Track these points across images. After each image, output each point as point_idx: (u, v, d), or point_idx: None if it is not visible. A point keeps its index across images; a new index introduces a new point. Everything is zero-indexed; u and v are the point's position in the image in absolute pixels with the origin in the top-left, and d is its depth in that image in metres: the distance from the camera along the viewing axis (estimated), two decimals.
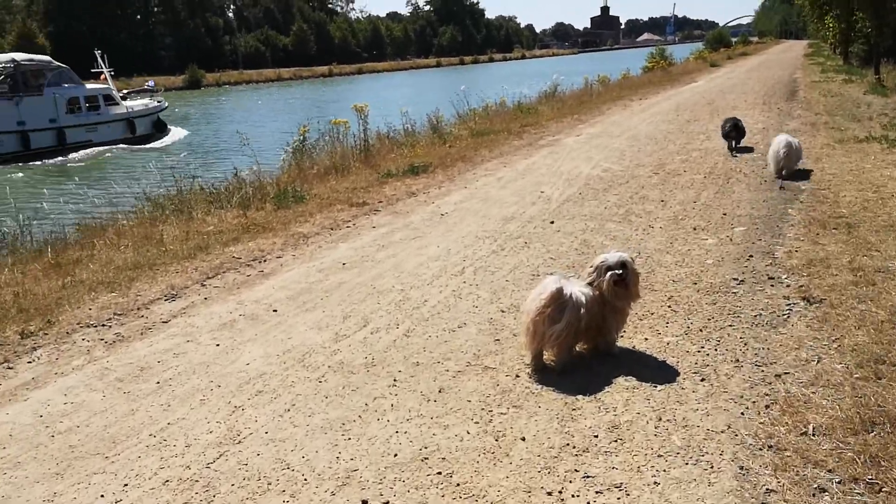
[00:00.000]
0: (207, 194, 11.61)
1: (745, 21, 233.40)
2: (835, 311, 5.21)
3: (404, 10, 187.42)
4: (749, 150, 12.74)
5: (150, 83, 48.15)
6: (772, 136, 12.68)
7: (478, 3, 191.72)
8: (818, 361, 4.50)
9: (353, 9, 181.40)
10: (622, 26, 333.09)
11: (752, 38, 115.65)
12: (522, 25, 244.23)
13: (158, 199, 11.80)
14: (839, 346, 4.68)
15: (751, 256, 6.71)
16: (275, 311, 5.98)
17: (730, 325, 5.15)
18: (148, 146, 34.75)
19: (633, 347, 4.92)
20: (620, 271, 4.63)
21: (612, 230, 7.98)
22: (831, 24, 33.24)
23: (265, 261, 7.56)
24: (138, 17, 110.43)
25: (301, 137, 14.64)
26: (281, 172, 13.78)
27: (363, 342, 5.25)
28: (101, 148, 33.27)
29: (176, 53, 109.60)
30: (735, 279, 6.11)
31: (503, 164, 12.94)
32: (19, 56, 33.48)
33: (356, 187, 11.40)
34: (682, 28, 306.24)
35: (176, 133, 38.32)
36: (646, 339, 5.05)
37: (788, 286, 5.85)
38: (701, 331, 5.10)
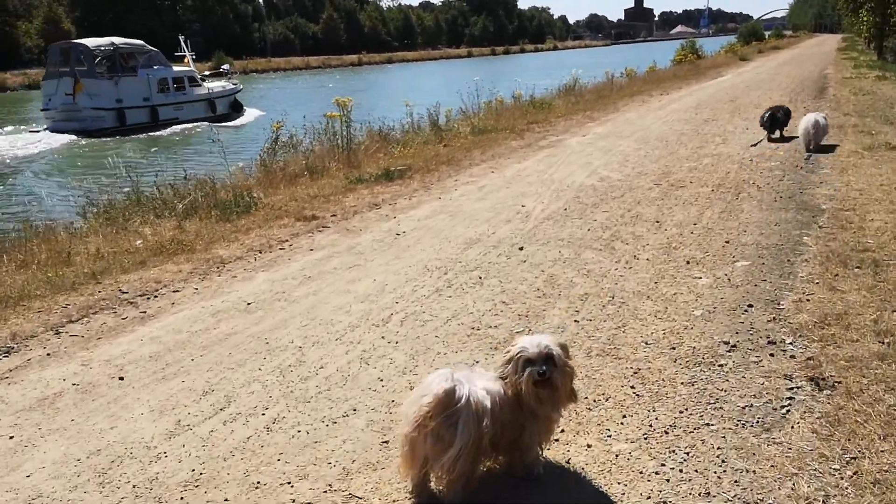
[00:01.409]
0: (153, 200, 10.30)
1: (779, 14, 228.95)
2: (853, 406, 3.78)
3: (436, 0, 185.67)
4: (789, 139, 12.62)
5: (226, 67, 50.52)
6: (794, 139, 11.26)
7: None
8: (824, 502, 3.08)
9: None
10: (656, 19, 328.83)
11: (785, 31, 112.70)
12: (555, 16, 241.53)
13: (101, 205, 10.53)
14: (856, 473, 3.26)
15: (750, 306, 5.27)
16: (121, 379, 4.66)
17: (707, 425, 3.74)
18: (227, 124, 36.82)
19: (568, 462, 3.53)
20: (543, 368, 3.24)
21: (589, 261, 6.57)
22: (866, 18, 31.28)
23: (156, 296, 6.25)
24: (167, 2, 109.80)
25: (274, 135, 13.29)
26: (246, 175, 12.49)
27: (205, 439, 3.91)
28: (187, 125, 35.74)
29: (204, 40, 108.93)
30: (725, 342, 4.68)
31: (491, 169, 11.54)
32: (118, 40, 35.85)
33: (318, 195, 10.08)
34: (717, 21, 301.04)
35: (251, 113, 40.12)
36: (588, 445, 3.67)
37: (793, 357, 4.42)
38: (666, 433, 3.70)
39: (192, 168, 15.34)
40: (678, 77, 30.33)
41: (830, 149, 11.58)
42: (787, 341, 4.65)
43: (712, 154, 11.68)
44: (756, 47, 58.21)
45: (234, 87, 41.80)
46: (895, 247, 6.31)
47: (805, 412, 3.79)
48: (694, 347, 4.67)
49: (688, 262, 6.40)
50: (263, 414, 4.13)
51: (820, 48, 56.47)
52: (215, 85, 40.79)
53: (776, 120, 12.91)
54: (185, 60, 41.16)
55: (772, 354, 4.49)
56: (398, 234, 7.90)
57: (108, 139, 32.22)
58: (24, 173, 24.97)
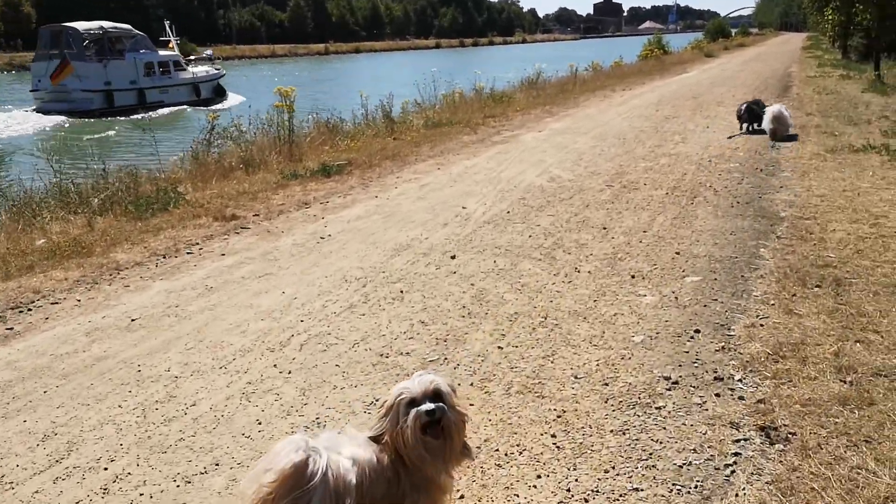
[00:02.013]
0: (67, 193, 9.46)
1: (746, 12, 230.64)
2: (808, 467, 3.16)
3: None
4: (762, 132, 12.45)
5: (209, 52, 52.41)
6: (756, 141, 10.75)
7: None
8: None
9: None
10: (625, 14, 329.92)
11: (752, 29, 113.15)
12: (525, 9, 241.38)
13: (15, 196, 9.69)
14: None
15: (697, 332, 4.64)
16: None
17: (635, 490, 3.10)
18: (210, 108, 36.20)
19: None
20: (432, 407, 2.56)
21: (525, 274, 5.91)
22: (830, 16, 31.01)
23: (30, 310, 5.50)
24: None
25: (210, 125, 12.48)
26: (178, 168, 11.69)
27: None
28: (173, 108, 36.40)
29: (170, 25, 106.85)
30: (666, 378, 4.04)
31: (438, 166, 10.86)
32: (106, 24, 36.76)
33: (247, 191, 9.34)
34: (685, 17, 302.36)
35: (234, 98, 40.36)
36: None
37: (742, 399, 3.79)
38: (586, 501, 3.03)
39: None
40: (643, 72, 29.86)
41: (794, 138, 11.96)
42: (736, 377, 4.02)
43: (670, 153, 11.10)
44: (722, 44, 58.03)
45: (217, 72, 42.43)
46: (858, 262, 5.72)
47: (753, 474, 3.16)
48: (630, 384, 4.02)
49: (633, 277, 5.76)
50: (106, 468, 3.42)
51: (785, 46, 56.47)
52: (199, 70, 41.46)
53: (753, 112, 12.77)
54: (170, 45, 41.61)
55: (718, 394, 3.85)
56: (322, 238, 7.20)
57: (95, 120, 32.59)
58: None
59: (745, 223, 7.15)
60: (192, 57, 46.56)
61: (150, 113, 35.07)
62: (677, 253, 6.31)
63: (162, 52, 39.03)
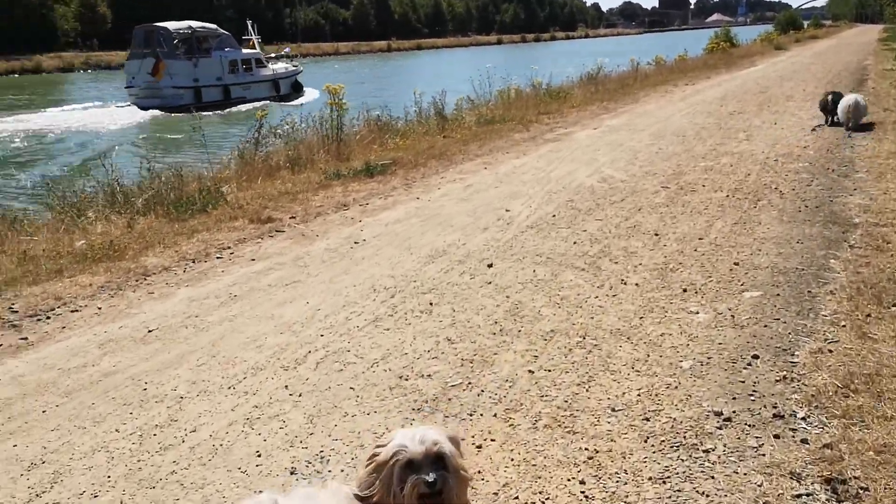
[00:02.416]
0: (111, 194, 9.29)
1: (819, 3, 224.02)
2: None
3: None
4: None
5: (287, 49, 53.68)
6: (828, 138, 10.04)
7: None
8: None
9: None
10: (691, 6, 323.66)
11: (825, 21, 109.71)
12: (588, 4, 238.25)
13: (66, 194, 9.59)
14: None
15: (755, 357, 4.12)
16: None
17: None
18: (289, 103, 37.76)
19: None
20: (432, 476, 2.20)
21: (566, 285, 5.43)
22: None
23: (48, 318, 5.26)
24: None
25: (258, 123, 12.24)
26: (226, 167, 11.48)
27: None
28: (255, 104, 36.19)
29: (237, 24, 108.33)
30: (717, 413, 3.55)
31: (485, 165, 10.41)
32: (195, 24, 38.47)
33: (288, 192, 9.04)
34: (754, 9, 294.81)
35: (310, 94, 40.73)
36: None
37: (805, 442, 3.28)
38: None
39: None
40: (708, 66, 28.90)
41: (869, 127, 11.98)
42: (799, 415, 3.50)
43: (733, 152, 10.45)
44: (793, 36, 56.20)
45: (294, 68, 43.74)
46: None
47: None
48: (674, 419, 3.53)
49: (685, 291, 5.24)
50: None
51: (860, 38, 54.36)
52: (279, 66, 42.79)
53: (836, 103, 12.36)
54: (251, 43, 43.03)
55: (777, 436, 3.35)
56: (357, 243, 6.82)
57: (185, 115, 33.38)
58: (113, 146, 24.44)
59: (813, 230, 6.56)
60: (273, 55, 47.32)
61: (234, 108, 36.51)
62: (736, 264, 5.76)
63: (245, 51, 40.34)
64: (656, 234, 6.67)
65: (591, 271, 5.75)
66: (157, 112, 34.22)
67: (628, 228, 6.91)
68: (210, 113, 34.21)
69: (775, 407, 3.60)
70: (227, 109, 36.01)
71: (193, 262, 6.40)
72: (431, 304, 5.20)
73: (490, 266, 5.98)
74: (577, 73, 24.67)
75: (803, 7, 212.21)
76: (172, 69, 35.53)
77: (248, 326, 4.96)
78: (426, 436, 2.28)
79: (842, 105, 12.00)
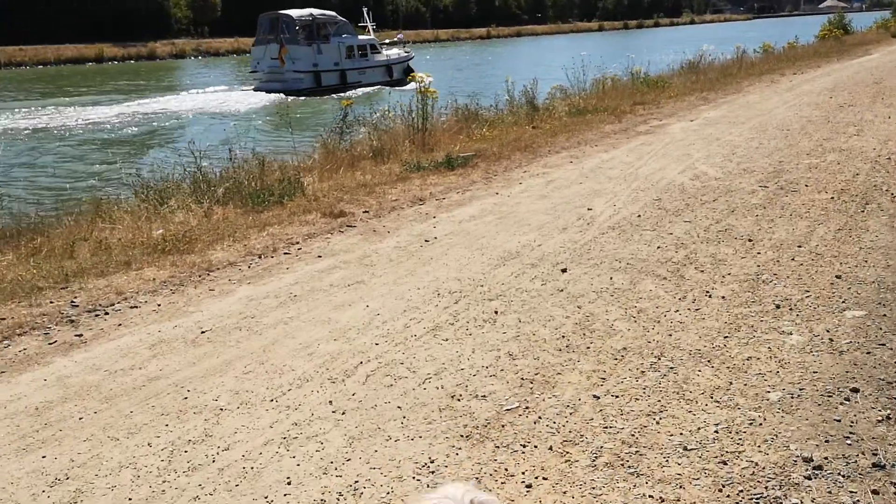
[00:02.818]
0: (193, 182, 9.27)
1: None
2: None
3: None
4: None
5: (400, 35, 53.97)
6: None
7: None
8: None
9: None
10: None
11: None
12: None
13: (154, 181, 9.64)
14: None
15: (854, 391, 3.63)
16: None
17: None
18: (402, 88, 38.76)
19: None
20: None
21: (644, 296, 4.99)
22: None
23: (107, 313, 5.16)
24: None
25: (343, 113, 12.07)
26: (306, 157, 11.36)
27: None
28: (369, 88, 38.31)
29: (340, 12, 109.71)
30: (806, 460, 3.09)
31: (571, 159, 9.96)
32: (315, 11, 39.78)
33: (365, 184, 8.83)
34: None
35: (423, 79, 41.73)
36: None
37: None
38: None
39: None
40: (818, 54, 27.44)
41: None
42: None
43: (841, 149, 9.70)
44: None
45: (406, 54, 44.74)
46: None
47: None
48: (756, 464, 3.09)
49: (777, 307, 4.74)
50: None
51: None
52: (392, 52, 43.80)
53: None
54: (367, 30, 44.15)
55: (875, 491, 2.87)
56: (427, 241, 6.52)
57: (305, 98, 35.74)
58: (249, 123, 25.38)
59: None
60: (387, 41, 48.69)
61: (351, 92, 36.50)
62: (838, 277, 5.20)
63: (361, 37, 41.32)
64: (749, 240, 6.13)
65: (673, 281, 5.29)
66: (280, 95, 35.63)
67: (719, 232, 6.39)
68: (326, 96, 35.75)
69: (875, 454, 3.11)
70: (344, 93, 36.75)
71: (259, 257, 6.21)
72: (496, 312, 4.85)
73: (564, 271, 5.58)
74: (678, 60, 23.77)
75: None
76: (294, 54, 36.94)
77: (302, 331, 4.71)
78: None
79: None
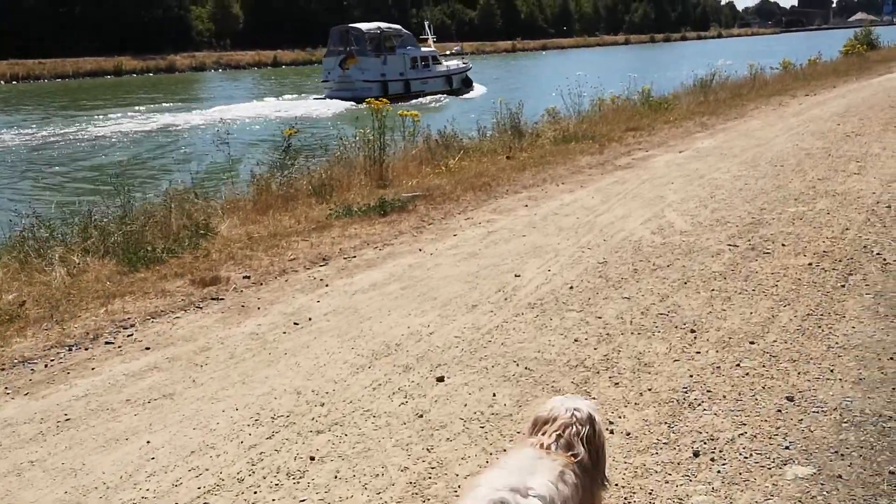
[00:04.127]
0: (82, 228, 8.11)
1: None
2: None
3: None
4: None
5: (458, 47, 58.77)
6: None
7: None
8: None
9: None
10: (833, 5, 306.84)
11: None
12: (723, 2, 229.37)
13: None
14: None
15: None
16: None
17: None
18: (461, 97, 42.21)
19: None
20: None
21: (526, 429, 3.68)
22: None
23: None
24: None
25: (286, 143, 10.88)
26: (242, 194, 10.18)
27: None
28: (431, 97, 41.12)
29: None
30: None
31: (527, 202, 8.72)
32: (383, 25, 43.23)
33: (277, 233, 7.64)
34: None
35: (479, 89, 44.86)
36: None
37: None
38: None
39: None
40: (837, 72, 25.91)
41: None
42: None
43: (835, 192, 8.35)
44: None
45: (465, 65, 47.03)
46: None
47: None
48: None
49: (696, 455, 3.45)
50: None
51: None
52: (451, 63, 46.25)
53: None
54: (428, 42, 46.80)
55: None
56: (296, 324, 5.28)
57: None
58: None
59: None
60: (447, 52, 51.44)
61: (416, 100, 39.21)
62: (789, 398, 3.88)
63: (423, 49, 44.10)
64: (692, 331, 4.82)
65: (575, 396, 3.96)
66: (350, 104, 37.29)
67: (658, 317, 5.08)
68: (395, 104, 37.10)
69: None
70: (409, 101, 38.50)
71: (70, 349, 5.00)
72: (313, 458, 3.58)
73: (441, 380, 4.31)
74: (693, 77, 22.38)
75: None
76: (364, 65, 39.59)
77: (31, 489, 3.46)
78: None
79: None
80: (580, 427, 2.42)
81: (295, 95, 42.96)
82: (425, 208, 8.55)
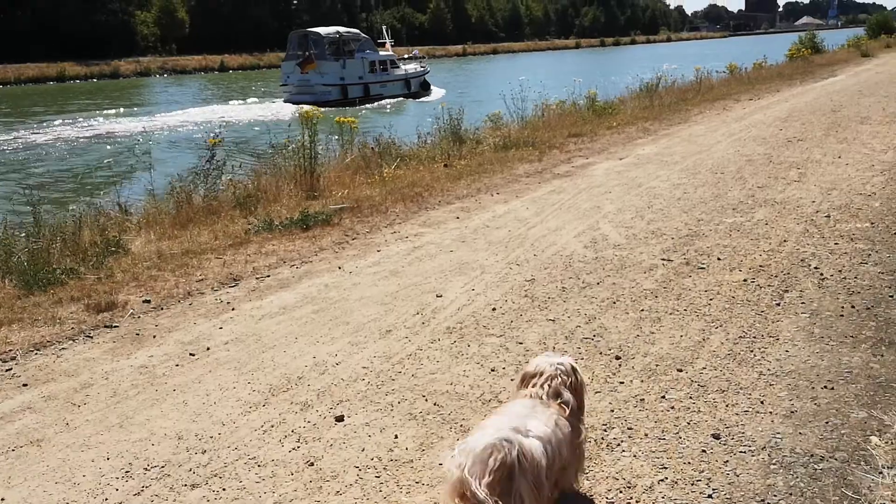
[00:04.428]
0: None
1: None
2: None
3: None
4: None
5: (416, 52, 59.46)
6: None
7: None
8: None
9: None
10: (780, 9, 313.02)
11: None
12: (672, 7, 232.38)
13: None
14: None
15: None
16: None
17: None
18: (419, 100, 42.85)
19: None
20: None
21: (423, 479, 3.30)
22: None
23: None
24: None
25: (210, 153, 10.37)
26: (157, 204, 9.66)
27: None
28: (390, 100, 42.35)
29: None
30: None
31: (459, 213, 8.35)
32: (342, 29, 44.60)
33: (190, 250, 7.18)
34: (847, 12, 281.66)
35: (437, 92, 45.90)
36: None
37: None
38: None
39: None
40: (782, 76, 26.04)
41: None
42: None
43: (774, 201, 8.12)
44: (884, 41, 51.99)
45: (423, 69, 48.24)
46: None
47: None
48: None
49: None
50: None
51: None
52: (409, 67, 47.54)
53: None
54: (386, 46, 48.06)
55: None
56: (192, 354, 4.85)
57: (336, 108, 38.62)
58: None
59: (855, 358, 4.28)
60: (405, 56, 52.53)
61: (375, 103, 40.87)
62: (715, 436, 3.56)
63: (381, 53, 45.25)
64: (618, 358, 4.48)
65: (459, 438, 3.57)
66: (308, 107, 38.65)
67: (583, 342, 4.74)
68: (353, 107, 37.87)
69: None
70: (369, 104, 40.43)
71: None
72: None
73: (340, 420, 3.91)
74: (641, 81, 22.27)
75: None
76: (323, 69, 40.36)
77: None
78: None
79: None
80: (565, 377, 2.86)
81: (241, 101, 42.98)
82: (351, 221, 8.13)
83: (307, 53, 40.77)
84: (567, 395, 2.82)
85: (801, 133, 12.84)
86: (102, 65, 73.83)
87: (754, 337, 4.70)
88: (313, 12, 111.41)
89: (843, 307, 5.12)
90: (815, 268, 5.93)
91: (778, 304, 5.23)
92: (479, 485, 2.28)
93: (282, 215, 8.41)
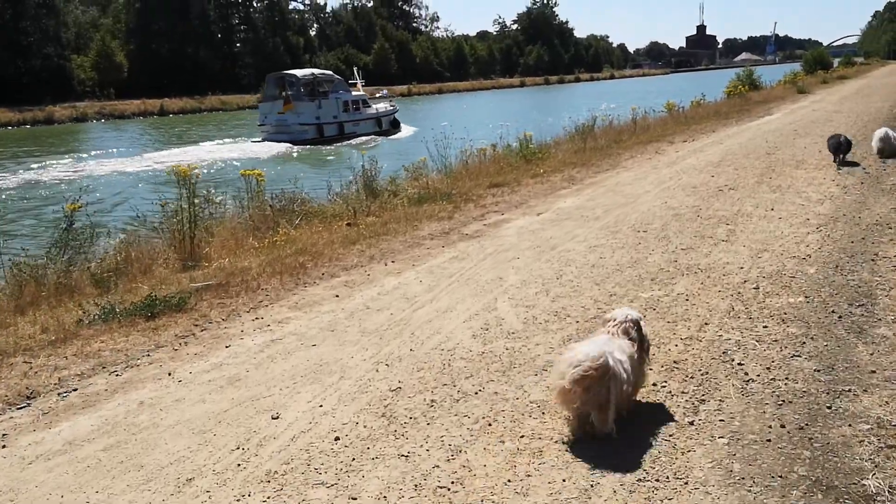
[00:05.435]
0: None
1: (850, 41, 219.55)
2: None
3: (493, 30, 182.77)
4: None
5: (384, 91, 61.65)
6: (840, 239, 6.63)
7: (567, 22, 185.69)
8: None
9: (438, 27, 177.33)
10: (719, 46, 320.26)
11: (856, 59, 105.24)
12: (615, 45, 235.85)
13: None
14: None
15: None
16: None
17: None
18: (390, 138, 44.93)
19: None
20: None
21: None
22: None
23: None
24: (219, 35, 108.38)
25: (67, 220, 9.06)
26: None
27: None
28: (363, 137, 43.60)
29: (255, 72, 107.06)
30: None
31: (340, 290, 7.20)
32: (317, 71, 47.19)
33: (2, 350, 5.78)
34: (784, 48, 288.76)
35: (406, 129, 48.08)
36: None
37: None
38: None
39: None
40: (718, 115, 25.48)
41: None
42: None
43: (699, 267, 7.09)
44: (820, 77, 52.41)
45: (392, 107, 50.35)
46: None
47: None
48: None
49: None
50: None
51: (892, 78, 50.63)
52: (380, 106, 49.21)
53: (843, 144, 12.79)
54: (357, 86, 49.27)
55: None
56: None
57: (311, 147, 40.41)
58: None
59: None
60: (376, 95, 54.70)
61: (349, 141, 42.36)
62: None
63: (354, 93, 46.65)
64: None
65: None
66: (287, 145, 40.06)
67: (435, 494, 3.57)
68: (329, 146, 40.94)
69: None
70: (343, 142, 42.29)
71: None
72: None
73: None
74: (577, 120, 21.43)
75: (834, 44, 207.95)
76: (299, 109, 41.73)
77: None
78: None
79: (875, 137, 13.30)
80: (632, 324, 4.20)
81: (230, 140, 44.42)
82: (210, 304, 6.90)
83: (284, 94, 42.10)
84: (633, 333, 4.15)
85: (733, 180, 11.95)
86: (36, 110, 71.71)
87: (656, 481, 3.57)
88: (256, 54, 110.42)
89: (770, 426, 4.03)
90: (739, 364, 4.86)
91: (691, 423, 4.12)
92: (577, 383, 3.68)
93: (139, 295, 7.14)
